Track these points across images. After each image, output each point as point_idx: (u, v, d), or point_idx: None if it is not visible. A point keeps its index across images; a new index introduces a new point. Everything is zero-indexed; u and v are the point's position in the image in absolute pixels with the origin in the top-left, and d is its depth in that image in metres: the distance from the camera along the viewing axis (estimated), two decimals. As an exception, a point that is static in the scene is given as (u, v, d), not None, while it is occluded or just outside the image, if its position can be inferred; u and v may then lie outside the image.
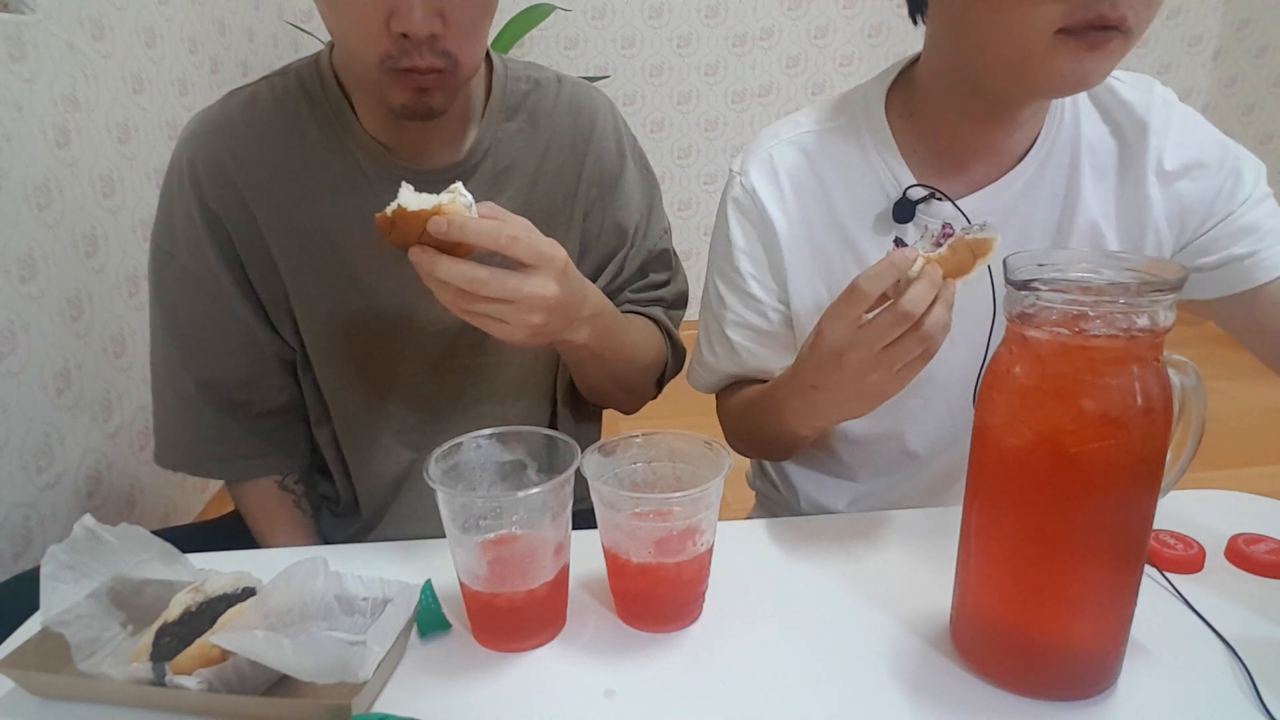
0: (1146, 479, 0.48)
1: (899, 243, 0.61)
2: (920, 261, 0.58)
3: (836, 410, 0.67)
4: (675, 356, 0.96)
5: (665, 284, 0.95)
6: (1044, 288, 0.47)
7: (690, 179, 3.32)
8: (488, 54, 0.86)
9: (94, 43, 1.53)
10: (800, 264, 0.79)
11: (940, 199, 0.74)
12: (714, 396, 0.92)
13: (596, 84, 1.09)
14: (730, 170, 0.82)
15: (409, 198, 0.61)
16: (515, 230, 0.64)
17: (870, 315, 0.59)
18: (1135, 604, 0.51)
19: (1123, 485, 0.48)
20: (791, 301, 0.80)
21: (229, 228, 0.82)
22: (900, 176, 0.75)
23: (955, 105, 0.72)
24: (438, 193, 0.62)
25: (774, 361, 0.82)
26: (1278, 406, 2.33)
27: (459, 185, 0.63)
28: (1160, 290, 0.46)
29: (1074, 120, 0.75)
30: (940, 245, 0.59)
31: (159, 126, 1.74)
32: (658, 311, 0.93)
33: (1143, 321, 0.46)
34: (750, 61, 3.20)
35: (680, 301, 0.96)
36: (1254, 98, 3.23)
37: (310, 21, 2.65)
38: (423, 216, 0.61)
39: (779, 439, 0.78)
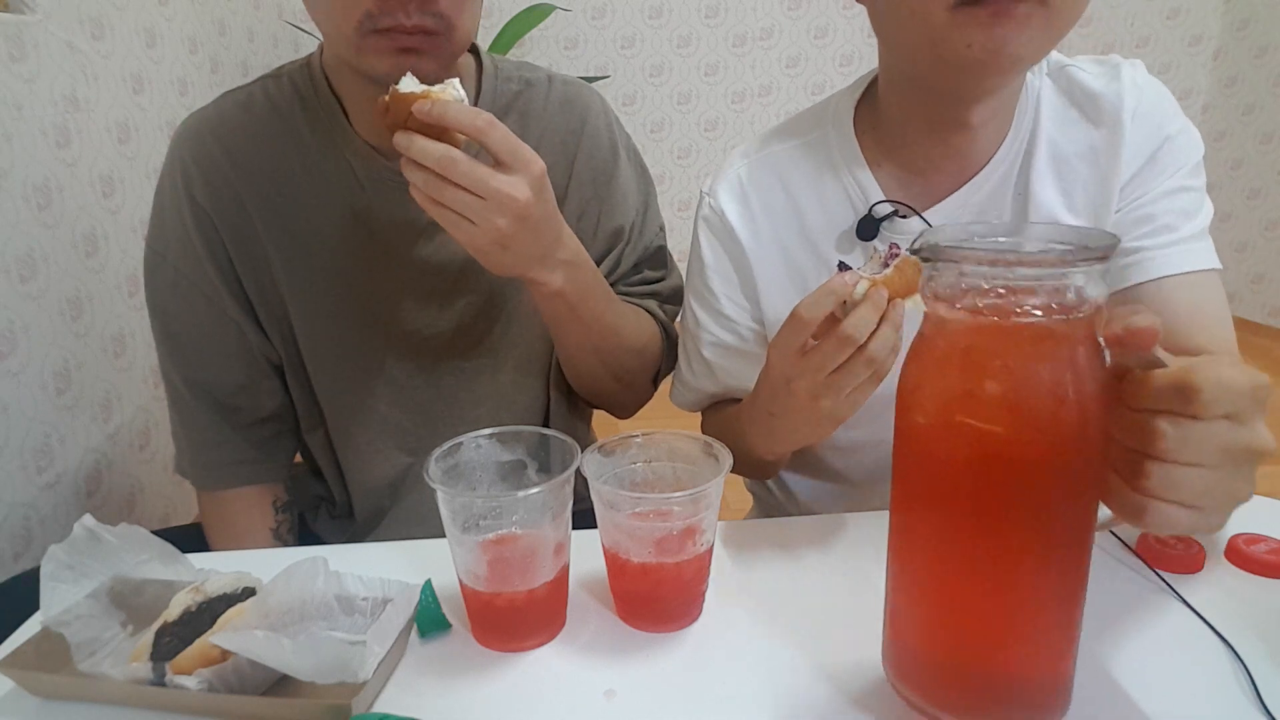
0: (1075, 475, 0.43)
1: (843, 266, 0.60)
2: (864, 284, 0.57)
3: (795, 435, 0.66)
4: (671, 350, 0.94)
5: (659, 280, 0.94)
6: (940, 257, 0.43)
7: (690, 179, 3.32)
8: (479, 54, 0.86)
9: (94, 43, 1.53)
10: (773, 282, 0.78)
11: (904, 216, 0.73)
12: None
13: (596, 84, 1.09)
14: (701, 191, 0.82)
15: (407, 83, 0.64)
16: (494, 119, 0.64)
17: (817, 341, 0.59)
18: (1079, 620, 0.46)
19: (1046, 481, 0.42)
20: (766, 319, 0.80)
21: (222, 228, 0.82)
22: (869, 192, 0.74)
23: (911, 114, 0.71)
24: None
25: (751, 380, 0.82)
26: (1277, 406, 2.33)
27: (455, 80, 0.65)
28: (1071, 262, 0.40)
29: (1034, 119, 0.73)
30: (887, 266, 0.58)
31: (159, 126, 1.74)
32: (652, 304, 0.92)
33: (1053, 297, 0.41)
34: (750, 61, 3.20)
35: (676, 296, 0.95)
36: (1254, 98, 3.23)
37: (310, 21, 2.65)
38: (411, 99, 0.63)
39: (751, 462, 0.77)
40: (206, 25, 2.04)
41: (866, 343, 0.56)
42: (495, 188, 0.64)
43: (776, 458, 0.74)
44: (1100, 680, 0.53)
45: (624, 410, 0.97)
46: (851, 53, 3.21)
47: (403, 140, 0.63)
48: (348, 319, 0.85)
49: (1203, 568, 0.64)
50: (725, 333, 0.81)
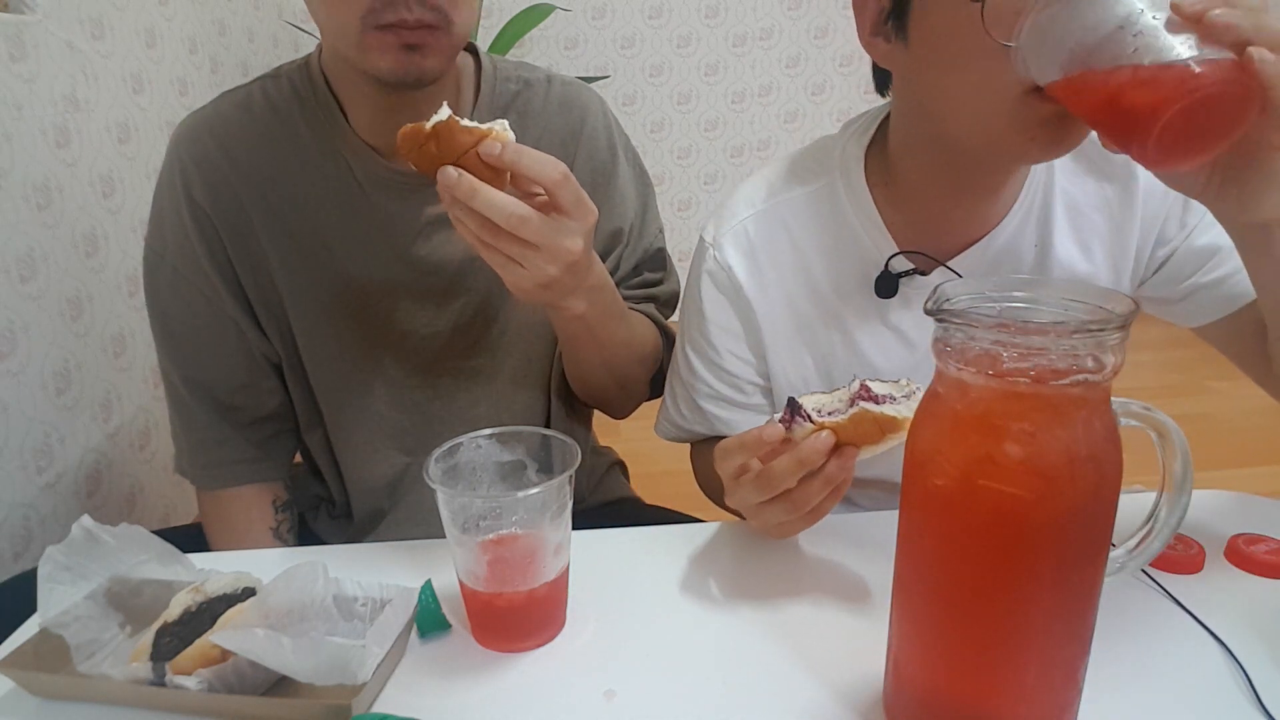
0: (1089, 533, 0.43)
1: (792, 403, 0.57)
2: (806, 428, 0.56)
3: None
4: (669, 351, 0.93)
5: (659, 283, 0.94)
6: (955, 320, 0.42)
7: (690, 179, 3.32)
8: (477, 54, 0.86)
9: (94, 43, 1.53)
10: (782, 339, 0.77)
11: (924, 274, 0.72)
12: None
13: (596, 84, 1.09)
14: (702, 239, 0.79)
15: (444, 114, 0.59)
16: (568, 171, 0.62)
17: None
18: (1078, 687, 0.47)
19: (1062, 541, 0.42)
20: (773, 375, 0.79)
21: (221, 228, 0.81)
22: (882, 246, 0.72)
23: (934, 176, 0.69)
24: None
25: (748, 428, 0.82)
26: (1278, 406, 2.33)
27: (504, 120, 0.61)
28: (1093, 330, 0.39)
29: (1048, 169, 0.72)
30: (854, 405, 0.55)
31: (159, 126, 1.74)
32: (651, 309, 0.92)
33: (1075, 363, 0.40)
34: (750, 61, 3.20)
35: (673, 301, 0.95)
36: (1254, 98, 3.22)
37: (310, 22, 2.65)
38: (477, 135, 0.58)
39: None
40: (206, 25, 2.04)
41: (794, 489, 0.57)
42: (557, 243, 0.62)
43: None
44: (1098, 681, 0.53)
45: (621, 412, 0.96)
46: (851, 53, 3.20)
47: (462, 185, 0.59)
48: (345, 318, 0.85)
49: (1202, 568, 0.64)
50: (726, 387, 0.81)
